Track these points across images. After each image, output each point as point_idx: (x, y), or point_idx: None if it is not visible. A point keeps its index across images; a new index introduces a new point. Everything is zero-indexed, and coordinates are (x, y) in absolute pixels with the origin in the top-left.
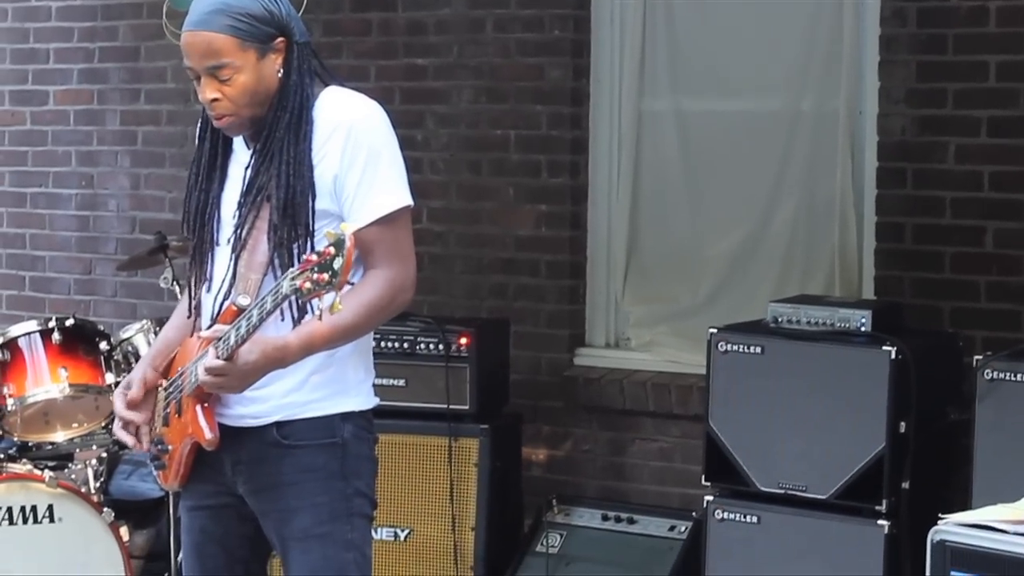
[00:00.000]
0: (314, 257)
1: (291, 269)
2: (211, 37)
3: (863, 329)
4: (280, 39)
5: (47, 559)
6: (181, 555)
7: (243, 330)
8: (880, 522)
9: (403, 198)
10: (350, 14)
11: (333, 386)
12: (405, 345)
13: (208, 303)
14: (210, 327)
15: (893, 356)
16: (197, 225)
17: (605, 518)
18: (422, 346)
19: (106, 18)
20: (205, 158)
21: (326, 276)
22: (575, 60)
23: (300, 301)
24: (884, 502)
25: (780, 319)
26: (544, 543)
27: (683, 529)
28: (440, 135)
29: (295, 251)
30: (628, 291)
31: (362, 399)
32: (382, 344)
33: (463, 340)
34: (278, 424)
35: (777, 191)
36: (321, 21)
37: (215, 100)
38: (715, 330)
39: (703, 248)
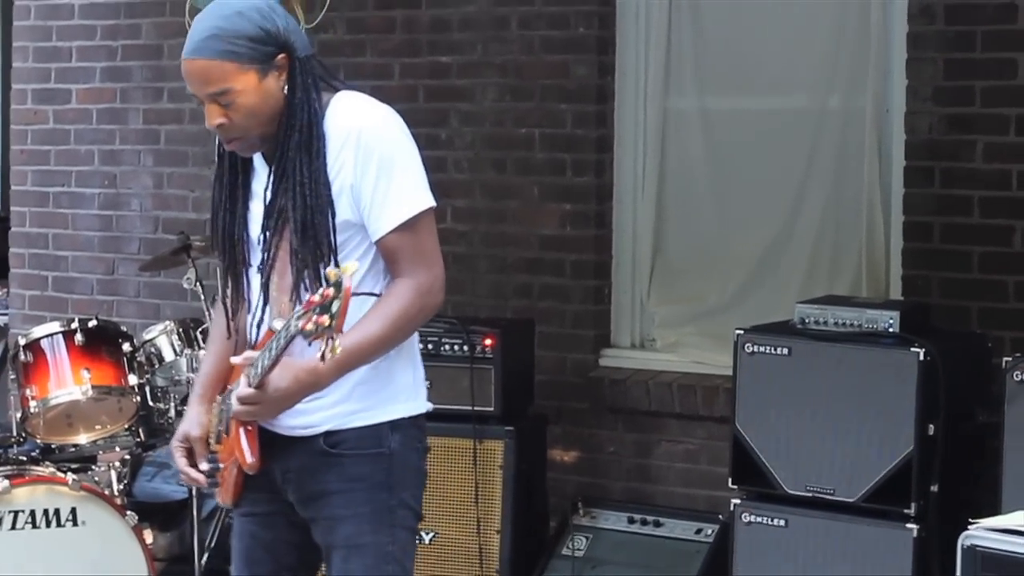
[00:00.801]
0: (316, 298)
1: (297, 308)
2: (208, 64)
3: (891, 330)
4: (281, 55)
5: (70, 563)
6: (232, 561)
7: (267, 358)
8: (909, 525)
9: (421, 202)
10: (374, 12)
11: (381, 393)
12: (429, 346)
13: (249, 326)
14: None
15: (921, 358)
16: (227, 247)
17: (631, 521)
18: (446, 347)
19: (129, 16)
20: (226, 177)
21: (326, 319)
22: (600, 57)
23: (308, 341)
24: (913, 505)
25: (807, 320)
26: (570, 546)
27: (710, 532)
28: (464, 133)
29: (321, 270)
30: (654, 291)
31: (412, 404)
32: None
33: (488, 341)
34: (327, 433)
35: (804, 190)
36: (345, 18)
37: (221, 125)
38: (742, 331)
39: (729, 248)
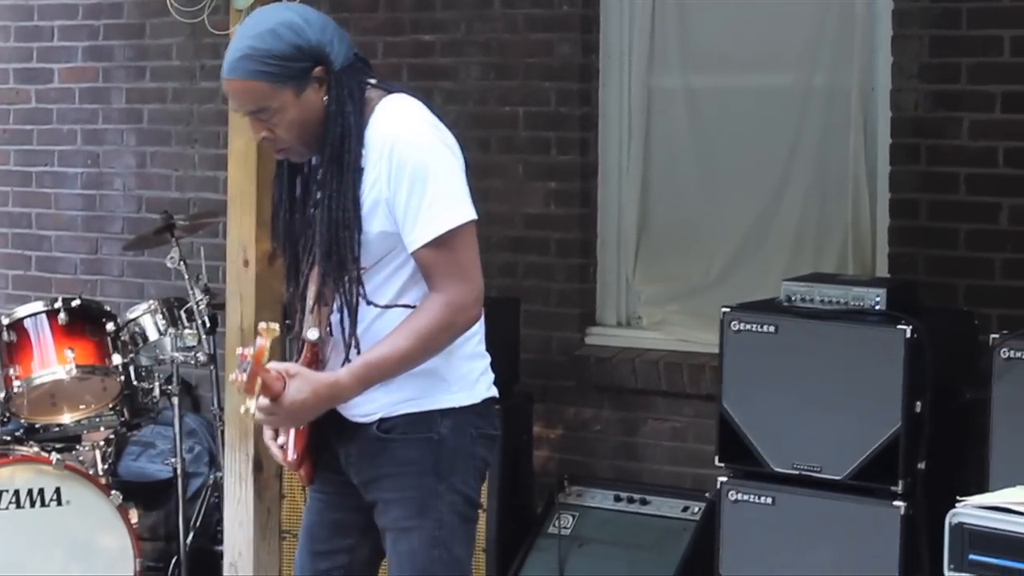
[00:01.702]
0: (245, 353)
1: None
2: (243, 85)
3: (877, 308)
4: (318, 68)
5: (55, 542)
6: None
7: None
8: (896, 503)
9: (456, 216)
10: None
11: (431, 383)
12: None
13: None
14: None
15: (908, 335)
16: (287, 248)
17: (617, 499)
18: None
19: None
20: (285, 176)
21: (242, 378)
22: (584, 36)
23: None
24: (900, 483)
25: (793, 298)
26: (556, 524)
27: (696, 510)
28: (448, 112)
29: (346, 284)
30: (639, 269)
31: (463, 395)
32: None
33: None
34: (380, 420)
35: (789, 168)
36: None
37: (265, 138)
38: (728, 309)
39: (715, 226)
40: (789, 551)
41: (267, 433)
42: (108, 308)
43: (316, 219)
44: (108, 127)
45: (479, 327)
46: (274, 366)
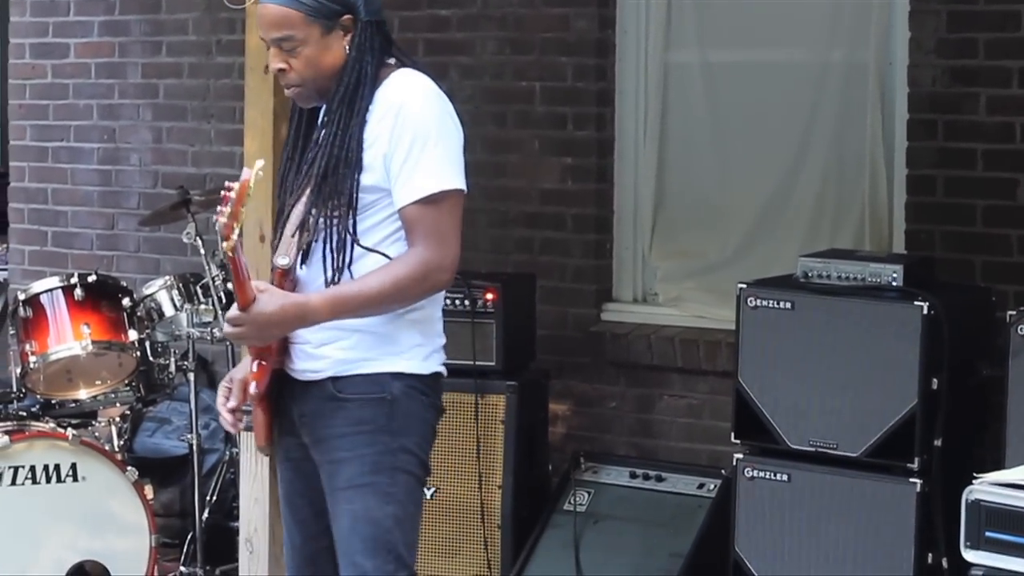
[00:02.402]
0: (230, 193)
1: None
2: (278, 10)
3: (895, 284)
4: (347, 16)
5: (71, 518)
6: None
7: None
8: (912, 480)
9: (447, 181)
10: None
11: (384, 347)
12: None
13: None
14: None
15: (925, 311)
16: (281, 190)
17: (633, 476)
18: (448, 301)
19: None
20: (293, 127)
21: (226, 210)
22: (601, 10)
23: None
24: (916, 460)
25: (810, 274)
26: (571, 501)
27: (712, 487)
28: (464, 87)
29: (334, 220)
30: (655, 245)
31: (415, 363)
32: None
33: (489, 295)
34: (334, 379)
35: (806, 144)
36: None
37: (281, 70)
38: (744, 285)
39: (731, 201)
40: (805, 528)
41: (219, 398)
42: (124, 284)
43: (315, 158)
44: (124, 102)
45: (439, 313)
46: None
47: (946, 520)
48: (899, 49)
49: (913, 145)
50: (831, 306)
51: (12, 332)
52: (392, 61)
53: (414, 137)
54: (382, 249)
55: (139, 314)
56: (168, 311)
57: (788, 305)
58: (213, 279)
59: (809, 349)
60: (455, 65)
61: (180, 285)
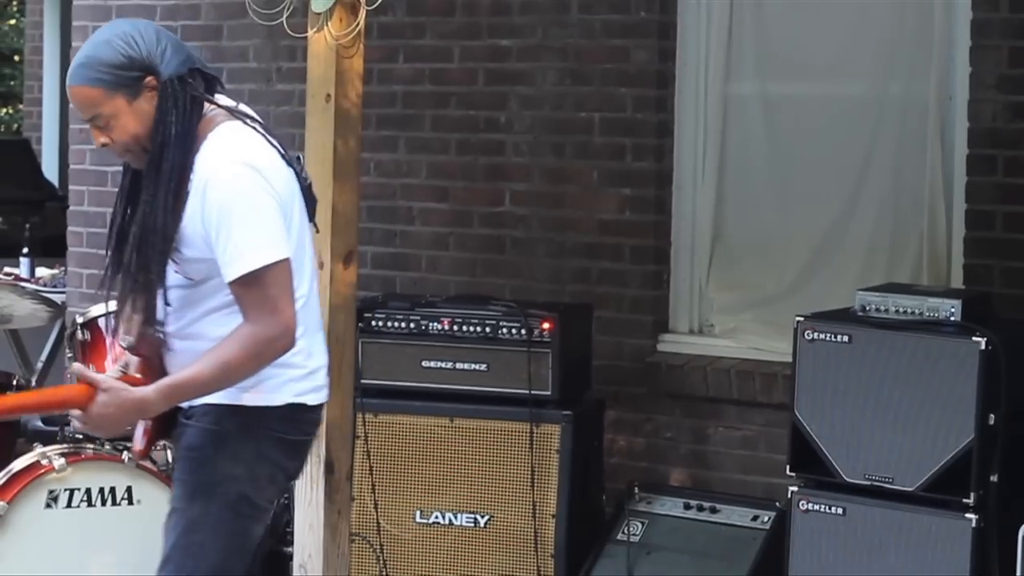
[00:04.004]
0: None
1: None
2: (80, 91)
3: (952, 319)
4: (149, 78)
5: (125, 541)
6: None
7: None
8: (968, 515)
9: (262, 257)
10: None
11: None
12: (487, 329)
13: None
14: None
15: (983, 347)
16: (108, 249)
17: (687, 507)
18: (504, 331)
19: None
20: (124, 182)
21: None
22: (661, 42)
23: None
24: (972, 495)
25: (868, 307)
26: (625, 531)
27: (766, 519)
28: (524, 117)
29: (150, 292)
30: (712, 277)
31: (259, 397)
32: (464, 328)
33: (546, 325)
34: (190, 406)
35: (864, 177)
36: (405, 1)
37: (104, 144)
38: (802, 318)
39: (789, 234)
40: (859, 562)
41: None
42: None
43: (131, 223)
44: None
45: (316, 335)
46: (94, 376)
47: (1001, 556)
48: (959, 84)
49: (972, 180)
50: (888, 340)
51: (69, 355)
52: (215, 113)
53: (219, 219)
54: (229, 320)
55: None
56: None
57: (845, 338)
58: None
59: (866, 383)
60: (515, 95)
61: None
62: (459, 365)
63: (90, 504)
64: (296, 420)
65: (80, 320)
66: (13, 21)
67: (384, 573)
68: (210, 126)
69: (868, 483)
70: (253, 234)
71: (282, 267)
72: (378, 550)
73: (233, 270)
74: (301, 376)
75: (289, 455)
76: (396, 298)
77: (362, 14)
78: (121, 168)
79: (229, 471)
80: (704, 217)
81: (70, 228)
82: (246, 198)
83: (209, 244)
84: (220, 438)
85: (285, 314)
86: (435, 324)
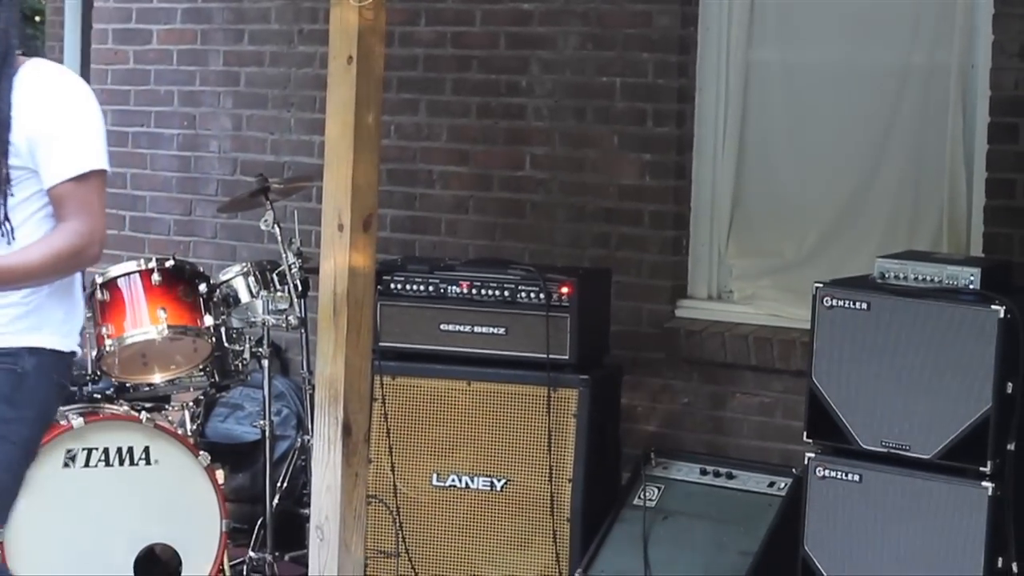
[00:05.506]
0: None
1: None
2: None
3: (971, 287)
4: None
5: (143, 501)
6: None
7: None
8: (984, 483)
9: (97, 160)
10: None
11: (28, 321)
12: (506, 293)
13: None
14: None
15: (1002, 315)
16: None
17: (704, 472)
18: (523, 295)
19: None
20: None
21: None
22: (683, 7)
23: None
24: (989, 463)
25: (887, 275)
26: (641, 496)
27: (783, 486)
28: (544, 81)
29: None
30: (732, 243)
31: (55, 339)
32: (483, 292)
33: (564, 289)
34: None
35: (885, 145)
36: None
37: None
38: (821, 284)
39: (809, 201)
40: (875, 529)
41: None
42: (201, 269)
43: None
44: (205, 89)
45: (80, 291)
46: None
47: (1017, 524)
48: (982, 52)
49: (994, 148)
50: (907, 307)
51: (88, 315)
52: (20, 52)
53: (64, 115)
54: (31, 225)
55: (215, 300)
56: (244, 297)
57: (864, 306)
58: (290, 267)
59: (884, 350)
60: (536, 59)
61: (256, 272)
62: (477, 329)
63: (108, 464)
64: (70, 368)
65: (100, 280)
66: None
67: (400, 535)
68: (21, 60)
69: (885, 450)
70: (92, 138)
71: (104, 180)
72: (395, 513)
73: (69, 168)
74: (79, 326)
75: (58, 401)
76: (415, 261)
77: None
78: (141, 128)
79: (22, 411)
80: (724, 183)
81: None
82: (88, 105)
83: (32, 149)
84: (18, 378)
85: (102, 222)
86: (454, 288)
